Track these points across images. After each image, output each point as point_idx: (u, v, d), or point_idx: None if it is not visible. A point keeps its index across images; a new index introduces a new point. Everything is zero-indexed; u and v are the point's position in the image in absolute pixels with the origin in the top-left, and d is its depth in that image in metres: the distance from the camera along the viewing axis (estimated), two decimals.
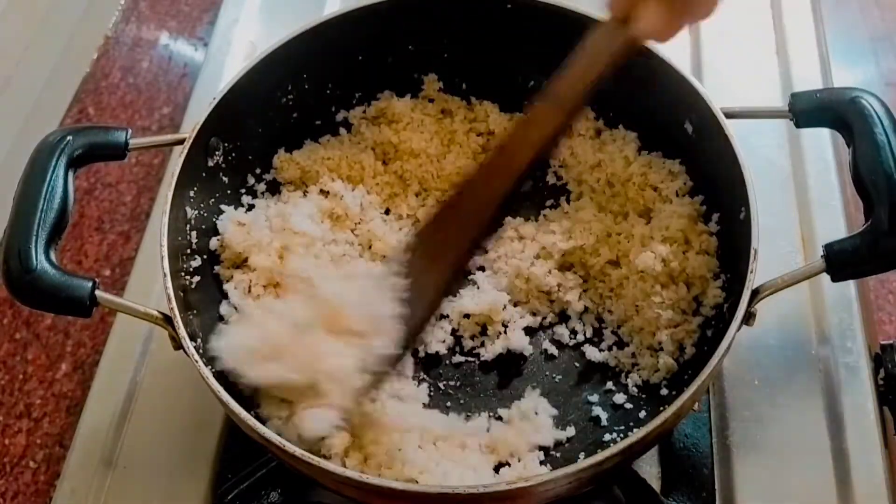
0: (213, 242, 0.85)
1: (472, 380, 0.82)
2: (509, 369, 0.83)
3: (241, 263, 0.85)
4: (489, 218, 0.73)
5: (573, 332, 0.84)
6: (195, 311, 0.78)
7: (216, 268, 0.85)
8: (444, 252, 0.75)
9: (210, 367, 0.73)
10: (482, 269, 0.88)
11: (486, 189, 0.73)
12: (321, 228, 0.87)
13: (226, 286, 0.84)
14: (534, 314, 0.85)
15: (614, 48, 0.66)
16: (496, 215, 0.74)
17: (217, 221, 0.86)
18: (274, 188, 0.92)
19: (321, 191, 0.90)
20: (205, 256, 0.83)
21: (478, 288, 0.86)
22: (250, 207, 0.89)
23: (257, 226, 0.86)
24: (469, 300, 0.84)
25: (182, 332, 0.70)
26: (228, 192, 0.88)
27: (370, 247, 0.88)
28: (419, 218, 0.91)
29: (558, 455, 0.77)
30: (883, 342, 0.84)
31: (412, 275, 0.75)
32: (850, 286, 0.88)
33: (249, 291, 0.84)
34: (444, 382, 0.82)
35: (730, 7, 1.11)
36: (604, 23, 0.67)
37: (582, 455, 0.75)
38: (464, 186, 0.76)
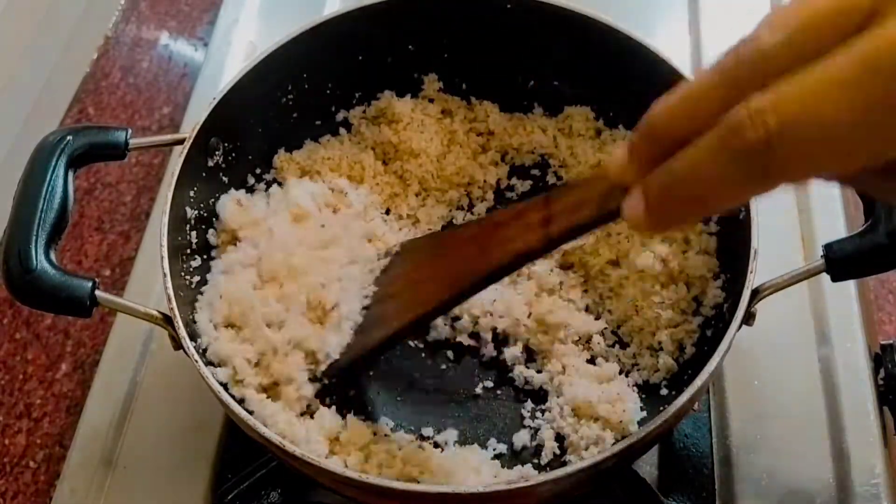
0: (212, 233, 0.85)
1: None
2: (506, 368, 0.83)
3: (236, 241, 0.85)
4: (456, 291, 0.69)
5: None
6: (195, 311, 0.78)
7: (213, 251, 0.84)
8: (413, 292, 0.73)
9: (210, 367, 0.73)
10: None
11: (465, 260, 0.69)
12: (320, 213, 0.87)
13: (212, 263, 0.83)
14: None
15: (609, 203, 0.53)
16: (462, 292, 0.69)
17: (216, 203, 0.86)
18: None
19: (329, 188, 0.90)
20: (205, 256, 0.83)
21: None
22: (251, 192, 0.89)
23: (256, 207, 0.86)
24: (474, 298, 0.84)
25: (182, 332, 0.70)
26: (227, 192, 0.87)
27: (369, 241, 0.88)
28: (419, 218, 0.91)
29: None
30: (883, 342, 0.84)
31: (384, 287, 0.76)
32: (850, 286, 0.88)
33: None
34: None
35: (730, 7, 1.13)
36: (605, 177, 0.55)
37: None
38: (450, 237, 0.75)
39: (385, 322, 0.74)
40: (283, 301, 0.79)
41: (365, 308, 0.76)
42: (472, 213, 0.92)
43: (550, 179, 0.94)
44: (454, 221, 0.92)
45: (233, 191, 0.87)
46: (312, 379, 0.76)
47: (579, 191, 0.57)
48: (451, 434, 0.78)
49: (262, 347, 0.76)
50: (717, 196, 0.41)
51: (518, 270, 0.84)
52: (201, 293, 0.80)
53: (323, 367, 0.76)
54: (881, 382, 0.82)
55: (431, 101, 0.96)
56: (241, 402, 0.73)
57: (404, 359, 0.82)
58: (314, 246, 0.82)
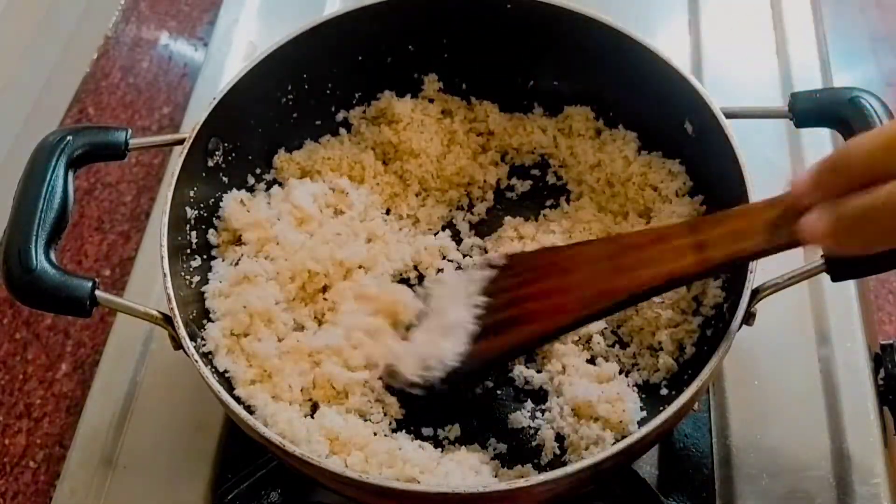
0: (212, 233, 0.85)
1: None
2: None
3: (237, 241, 0.85)
4: (597, 307, 0.68)
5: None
6: (195, 311, 0.78)
7: (213, 251, 0.85)
8: (543, 305, 0.71)
9: (210, 367, 0.74)
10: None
11: (594, 280, 0.68)
12: (321, 213, 0.87)
13: (213, 263, 0.83)
14: None
15: (778, 234, 0.57)
16: (604, 309, 0.69)
17: (218, 202, 0.86)
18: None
19: (329, 188, 0.90)
20: (205, 256, 0.83)
21: None
22: (251, 191, 0.89)
23: (259, 207, 0.86)
24: None
25: (182, 332, 0.70)
26: (228, 192, 0.87)
27: (369, 241, 0.88)
28: (419, 218, 0.91)
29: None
30: (883, 342, 0.84)
31: (494, 297, 0.74)
32: (850, 286, 0.87)
33: (237, 265, 0.83)
34: None
35: (730, 7, 1.13)
36: (777, 205, 0.58)
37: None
38: (575, 251, 0.73)
39: (511, 332, 0.73)
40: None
41: (478, 317, 0.75)
42: (471, 213, 0.92)
43: (550, 179, 0.94)
44: (454, 221, 0.92)
45: (234, 191, 0.87)
46: (419, 385, 0.75)
47: (737, 219, 0.59)
48: (451, 434, 0.78)
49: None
50: None
51: None
52: (205, 295, 0.80)
53: (437, 374, 0.74)
54: (881, 382, 0.82)
55: (431, 101, 0.96)
56: (240, 401, 0.73)
57: None
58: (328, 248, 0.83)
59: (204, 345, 0.76)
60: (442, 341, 0.75)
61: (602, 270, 0.68)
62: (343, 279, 0.84)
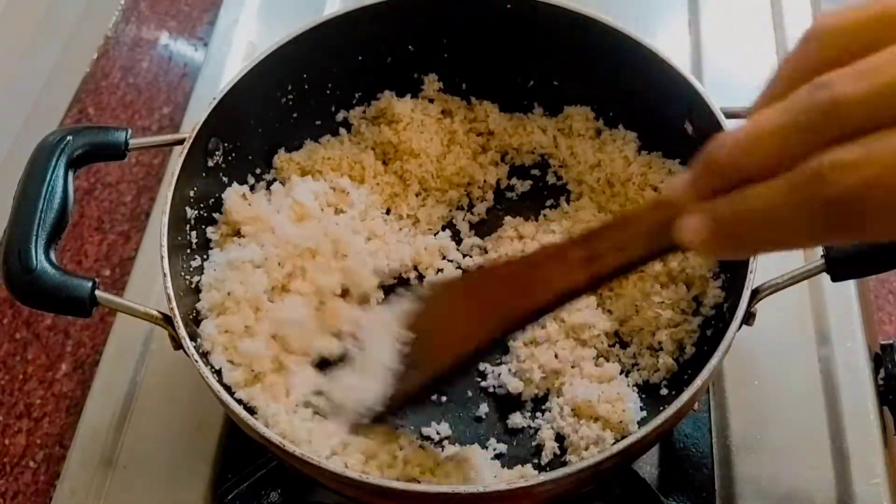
0: (211, 231, 0.85)
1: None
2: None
3: (236, 235, 0.85)
4: (498, 331, 0.68)
5: None
6: (195, 312, 0.78)
7: (211, 244, 0.84)
8: (446, 336, 0.71)
9: (210, 367, 0.73)
10: None
11: (498, 301, 0.67)
12: (322, 212, 0.87)
13: (211, 252, 0.83)
14: None
15: (659, 240, 0.54)
16: (505, 331, 0.68)
17: (219, 197, 0.86)
18: None
19: (331, 187, 0.90)
20: (205, 256, 0.83)
21: None
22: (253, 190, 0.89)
23: (259, 201, 0.86)
24: None
25: (182, 332, 0.70)
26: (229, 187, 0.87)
27: (369, 239, 0.88)
28: (419, 218, 0.91)
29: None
30: (883, 342, 0.84)
31: (417, 331, 0.73)
32: (850, 286, 0.88)
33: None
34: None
35: (730, 7, 1.13)
36: (661, 208, 0.55)
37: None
38: (484, 275, 0.72)
39: (425, 367, 0.71)
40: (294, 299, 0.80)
41: (403, 354, 0.73)
42: (472, 213, 0.92)
43: (550, 179, 0.94)
44: (454, 221, 0.92)
45: (236, 185, 0.87)
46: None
47: (622, 229, 0.57)
48: (451, 434, 0.78)
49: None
50: (785, 239, 0.42)
51: None
52: (200, 290, 0.80)
53: (365, 419, 0.73)
54: (881, 382, 0.82)
55: (431, 101, 0.96)
56: (241, 402, 0.73)
57: None
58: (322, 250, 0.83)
59: (202, 345, 0.76)
60: (366, 384, 0.74)
61: (507, 293, 0.67)
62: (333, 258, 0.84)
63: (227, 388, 0.73)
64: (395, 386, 0.72)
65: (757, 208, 0.41)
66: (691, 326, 0.80)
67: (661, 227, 0.51)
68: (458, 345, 0.69)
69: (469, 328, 0.69)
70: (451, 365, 0.70)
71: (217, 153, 0.85)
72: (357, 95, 0.95)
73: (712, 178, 0.45)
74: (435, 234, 0.90)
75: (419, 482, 0.70)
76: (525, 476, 0.73)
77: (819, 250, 0.71)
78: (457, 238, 0.91)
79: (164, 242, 0.75)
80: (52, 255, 0.71)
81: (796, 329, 0.86)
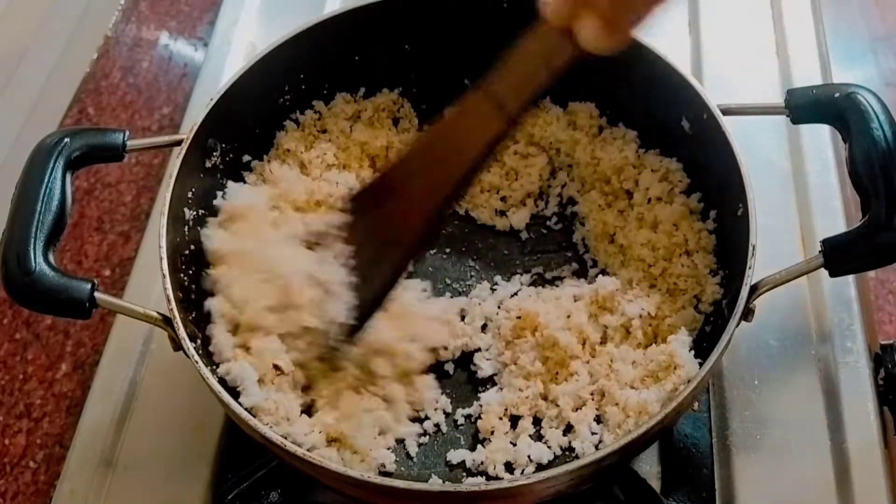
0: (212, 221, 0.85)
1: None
2: None
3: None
4: (435, 212, 0.71)
5: None
6: (195, 312, 0.78)
7: (207, 231, 0.84)
8: (388, 232, 0.73)
9: (210, 367, 0.73)
10: None
11: (426, 178, 0.70)
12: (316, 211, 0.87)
13: (206, 237, 0.83)
14: None
15: (557, 58, 0.61)
16: (440, 212, 0.71)
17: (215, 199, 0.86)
18: None
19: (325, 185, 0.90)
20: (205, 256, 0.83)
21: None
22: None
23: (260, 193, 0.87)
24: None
25: (182, 332, 0.70)
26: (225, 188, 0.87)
27: None
28: None
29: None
30: (883, 342, 0.84)
31: (356, 242, 0.75)
32: (850, 286, 0.87)
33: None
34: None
35: (730, 7, 1.12)
36: (543, 29, 0.62)
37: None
38: (401, 165, 0.74)
39: (381, 265, 0.74)
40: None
41: (352, 267, 0.75)
42: (471, 214, 0.92)
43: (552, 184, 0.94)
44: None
45: (231, 182, 0.87)
46: (324, 354, 0.76)
47: (518, 65, 0.63)
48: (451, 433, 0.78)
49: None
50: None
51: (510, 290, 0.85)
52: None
53: (337, 335, 0.75)
54: (881, 382, 0.82)
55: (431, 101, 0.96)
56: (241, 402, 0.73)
57: None
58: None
59: (201, 347, 0.76)
60: (330, 305, 0.75)
61: (431, 167, 0.70)
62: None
63: (228, 389, 0.73)
64: (356, 297, 0.74)
65: None
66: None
67: (557, 44, 0.59)
68: (408, 233, 0.72)
69: (411, 214, 0.71)
70: (413, 248, 0.73)
71: (215, 153, 0.85)
72: (354, 95, 0.95)
73: None
74: None
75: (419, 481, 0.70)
76: (525, 475, 0.73)
77: (818, 245, 0.71)
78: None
79: (164, 243, 0.75)
80: (51, 257, 0.71)
81: (796, 329, 0.86)
